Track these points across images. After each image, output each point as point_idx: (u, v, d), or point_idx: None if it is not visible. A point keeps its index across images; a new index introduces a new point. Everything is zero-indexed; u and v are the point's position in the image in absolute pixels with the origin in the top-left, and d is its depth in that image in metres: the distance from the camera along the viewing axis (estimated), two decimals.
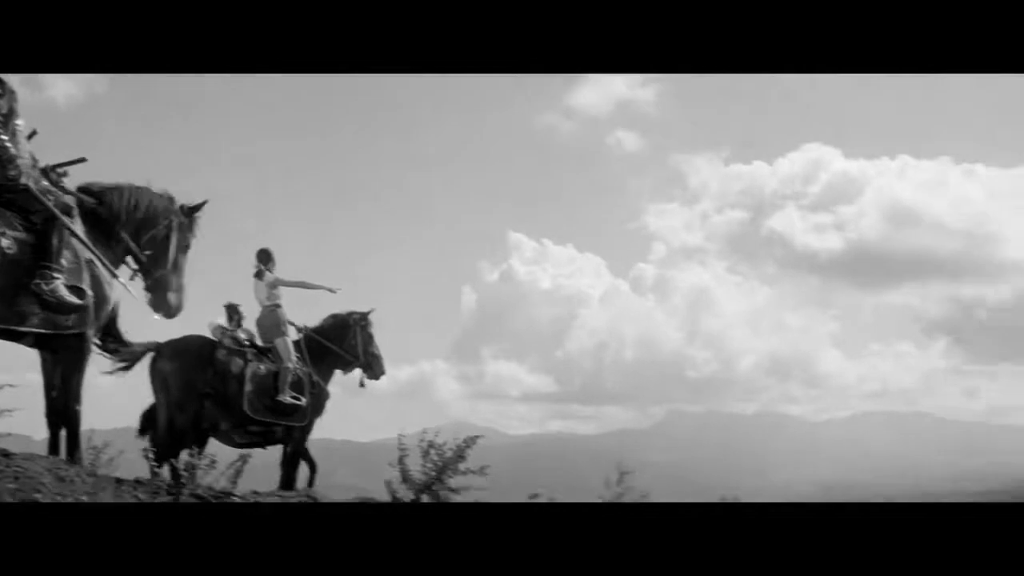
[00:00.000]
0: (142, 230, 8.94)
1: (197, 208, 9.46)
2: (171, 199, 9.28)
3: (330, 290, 13.11)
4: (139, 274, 9.05)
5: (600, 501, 9.82)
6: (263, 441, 12.31)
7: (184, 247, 9.29)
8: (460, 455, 10.47)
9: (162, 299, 9.10)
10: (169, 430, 11.53)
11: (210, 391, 11.70)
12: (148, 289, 9.06)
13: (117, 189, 8.91)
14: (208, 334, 12.27)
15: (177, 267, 9.20)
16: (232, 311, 12.76)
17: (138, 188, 9.04)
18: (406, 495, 10.44)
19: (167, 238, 9.10)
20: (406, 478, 10.51)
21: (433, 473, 10.44)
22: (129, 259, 8.99)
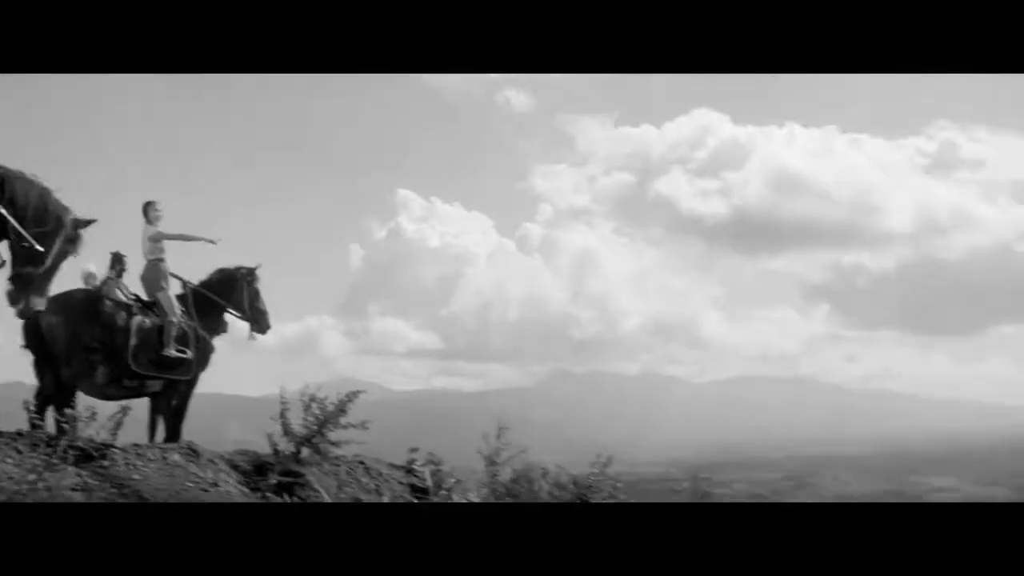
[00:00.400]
0: (33, 224, 9.01)
1: (86, 224, 9.53)
2: (67, 209, 9.32)
3: (210, 241, 13.14)
4: (9, 262, 9.08)
5: (582, 502, 9.94)
6: (135, 395, 12.21)
7: (62, 255, 9.37)
8: (341, 409, 10.86)
9: (21, 294, 9.13)
10: (55, 383, 11.47)
11: (96, 345, 11.70)
12: (11, 280, 9.09)
13: (26, 180, 9.02)
14: (81, 283, 12.27)
15: (49, 272, 9.28)
16: (116, 260, 12.62)
17: (43, 187, 9.14)
18: (287, 447, 10.82)
19: (52, 241, 9.16)
20: (287, 431, 10.88)
21: (314, 426, 10.82)
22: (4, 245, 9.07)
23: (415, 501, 10.71)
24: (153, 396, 12.44)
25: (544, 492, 9.13)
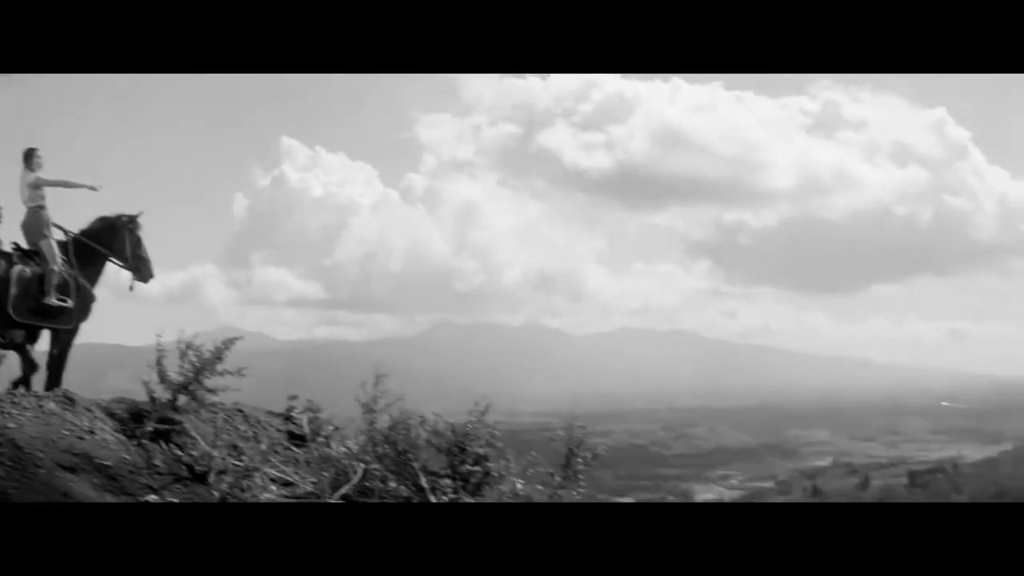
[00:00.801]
0: None
1: None
2: None
3: (91, 188, 13.04)
4: None
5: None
6: (11, 346, 12.19)
7: None
8: (218, 357, 11.07)
9: None
10: None
11: None
12: None
13: None
14: None
15: None
16: None
17: None
18: (164, 395, 11.04)
19: None
20: (164, 379, 11.08)
21: (191, 374, 11.06)
22: None
23: (293, 449, 11.07)
24: (27, 344, 12.38)
25: (421, 439, 9.46)
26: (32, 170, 12.60)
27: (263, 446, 10.11)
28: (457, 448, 9.32)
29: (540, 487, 8.36)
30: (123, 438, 10.04)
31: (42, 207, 12.60)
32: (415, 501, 8.53)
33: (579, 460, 8.11)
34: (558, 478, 8.09)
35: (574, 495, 8.19)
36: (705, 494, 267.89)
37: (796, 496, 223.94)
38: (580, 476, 8.13)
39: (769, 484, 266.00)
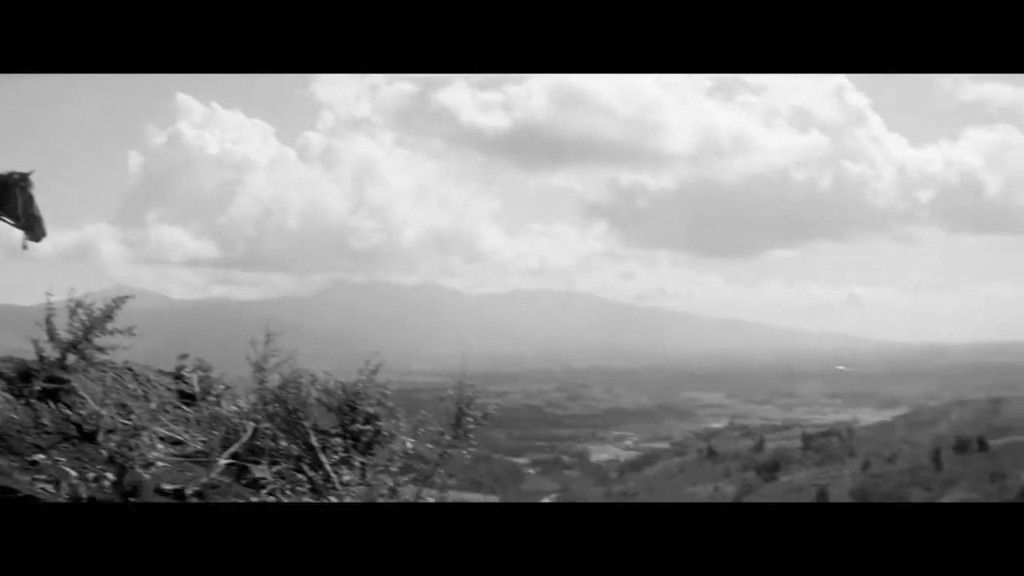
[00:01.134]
0: None
1: None
2: None
3: None
4: None
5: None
6: None
7: None
8: (108, 315, 11.12)
9: None
10: None
11: None
12: None
13: None
14: None
15: None
16: None
17: None
18: (53, 354, 11.08)
19: None
20: (52, 337, 11.12)
21: (80, 332, 11.10)
22: None
23: (183, 408, 11.19)
24: None
25: (312, 398, 9.62)
26: None
27: (152, 405, 10.17)
28: (348, 407, 9.47)
29: (430, 446, 8.61)
30: (10, 397, 10.02)
31: None
32: (306, 461, 8.72)
33: (469, 419, 8.37)
34: (448, 437, 8.36)
35: (464, 453, 8.47)
36: (600, 454, 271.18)
37: (692, 456, 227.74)
38: (471, 435, 8.41)
39: (665, 445, 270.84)
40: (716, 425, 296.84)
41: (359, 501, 8.03)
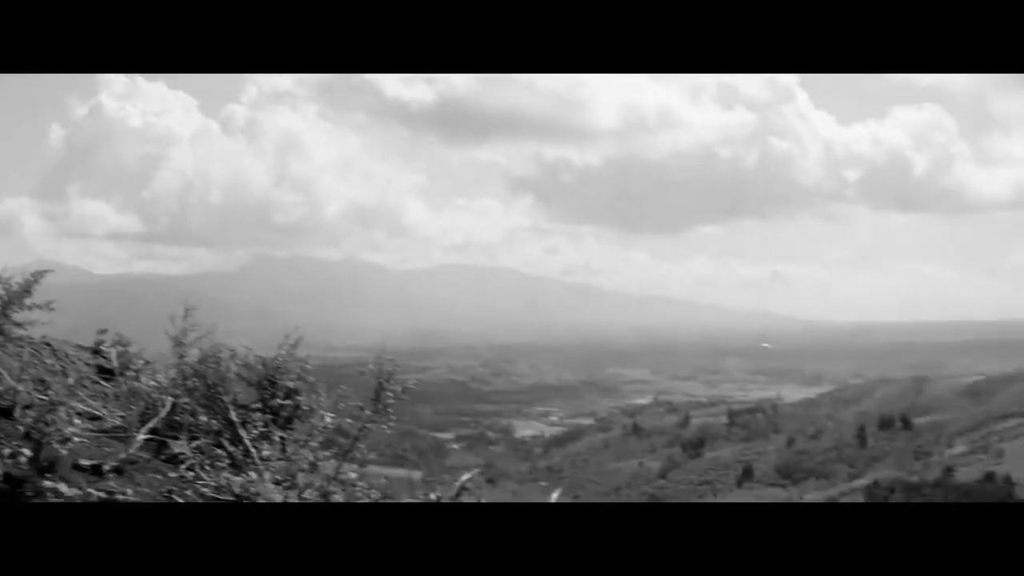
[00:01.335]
0: None
1: None
2: None
3: None
4: None
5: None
6: None
7: None
8: (26, 289, 11.05)
9: None
10: None
11: None
12: None
13: None
14: None
15: None
16: None
17: None
18: None
19: None
20: None
21: None
22: None
23: (102, 383, 11.16)
24: None
25: (231, 373, 9.66)
26: None
27: (70, 380, 10.11)
28: (268, 382, 9.50)
29: (350, 420, 8.72)
30: None
31: None
32: (225, 435, 8.79)
33: (389, 394, 8.48)
34: (368, 412, 8.47)
35: (384, 428, 8.58)
36: (525, 430, 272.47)
37: (616, 432, 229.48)
38: (390, 410, 8.52)
39: (589, 421, 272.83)
40: (641, 401, 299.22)
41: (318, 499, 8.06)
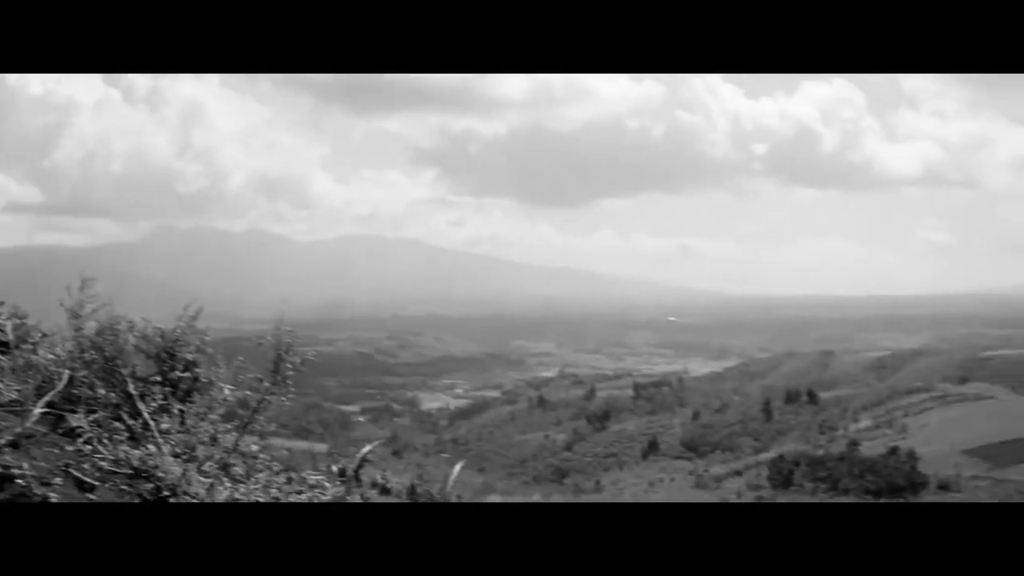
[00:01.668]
0: None
1: None
2: None
3: None
4: None
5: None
6: None
7: None
8: None
9: None
10: None
11: None
12: None
13: None
14: None
15: None
16: None
17: None
18: None
19: None
20: None
21: None
22: None
23: None
24: None
25: (130, 345, 9.61)
26: None
27: None
28: (167, 354, 9.47)
29: (249, 392, 8.75)
30: None
31: None
32: (124, 409, 8.78)
33: (288, 365, 8.53)
34: (267, 384, 8.52)
35: (284, 400, 8.62)
36: (431, 403, 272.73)
37: (522, 405, 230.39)
38: (289, 382, 8.56)
39: (495, 394, 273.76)
40: (547, 374, 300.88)
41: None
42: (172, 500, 7.11)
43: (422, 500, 9.66)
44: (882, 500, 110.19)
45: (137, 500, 7.10)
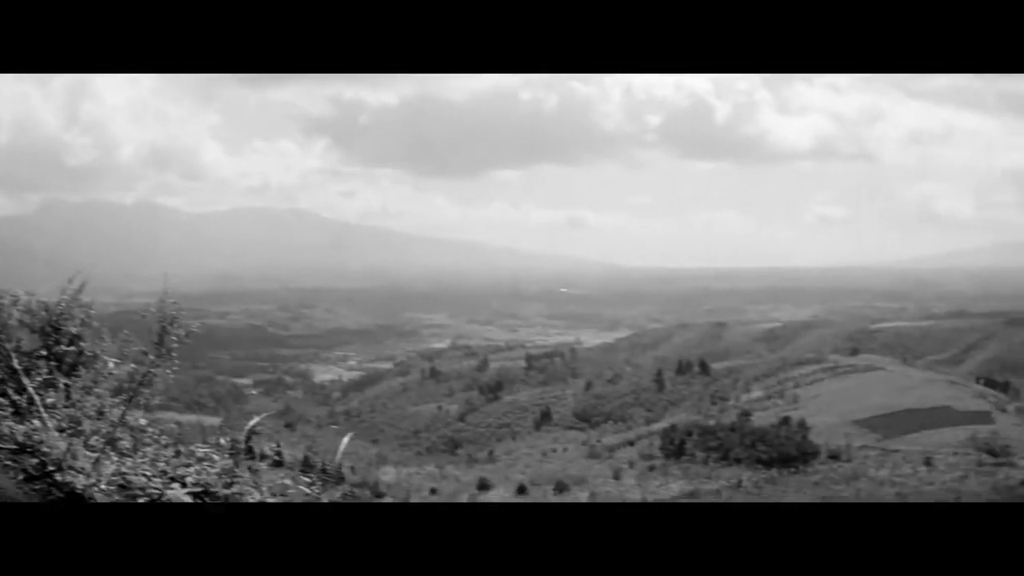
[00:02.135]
0: None
1: None
2: None
3: None
4: None
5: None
6: None
7: None
8: None
9: None
10: None
11: None
12: None
13: None
14: None
15: None
16: None
17: None
18: None
19: None
20: None
21: None
22: None
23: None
24: None
25: (14, 320, 9.51)
26: None
27: None
28: (51, 328, 9.40)
29: (134, 366, 8.72)
30: None
31: None
32: (9, 384, 8.71)
33: (173, 338, 8.52)
34: (152, 356, 8.50)
35: (168, 373, 8.60)
36: (323, 375, 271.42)
37: (415, 376, 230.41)
38: (174, 354, 8.54)
39: (388, 365, 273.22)
40: (439, 345, 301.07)
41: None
42: (58, 476, 7.08)
43: (315, 470, 9.64)
44: (773, 470, 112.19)
45: (22, 476, 7.03)
